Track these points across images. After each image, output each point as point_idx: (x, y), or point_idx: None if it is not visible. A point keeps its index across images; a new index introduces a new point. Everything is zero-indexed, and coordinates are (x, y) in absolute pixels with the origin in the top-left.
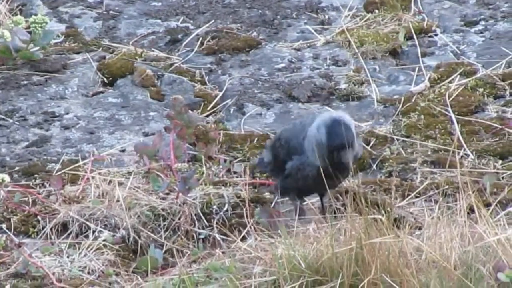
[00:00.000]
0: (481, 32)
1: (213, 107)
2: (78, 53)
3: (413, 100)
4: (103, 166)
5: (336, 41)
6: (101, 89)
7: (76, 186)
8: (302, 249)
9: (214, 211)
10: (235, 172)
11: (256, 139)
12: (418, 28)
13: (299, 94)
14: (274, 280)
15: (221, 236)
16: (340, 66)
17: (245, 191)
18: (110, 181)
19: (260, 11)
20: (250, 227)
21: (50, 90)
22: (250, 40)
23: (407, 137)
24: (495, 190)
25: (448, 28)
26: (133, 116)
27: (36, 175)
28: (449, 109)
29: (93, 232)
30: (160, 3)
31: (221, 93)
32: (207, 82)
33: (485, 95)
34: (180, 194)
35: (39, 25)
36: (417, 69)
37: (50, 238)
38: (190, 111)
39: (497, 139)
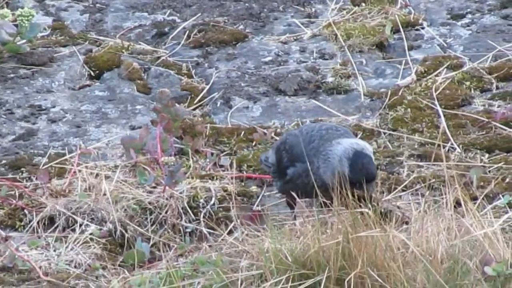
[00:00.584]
0: (468, 26)
1: (199, 101)
2: (64, 46)
3: (399, 93)
4: (90, 160)
5: (323, 35)
6: (88, 82)
7: (62, 179)
8: (288, 243)
9: (201, 204)
10: (221, 166)
11: (243, 132)
12: (405, 21)
13: (285, 87)
14: (260, 274)
15: (208, 230)
16: (326, 59)
17: (231, 185)
18: (97, 175)
19: (246, 4)
20: (237, 221)
21: (37, 83)
22: (237, 33)
23: (394, 130)
24: (481, 183)
25: (434, 21)
26: (120, 110)
27: (22, 169)
28: (436, 102)
29: (80, 225)
30: None
31: (208, 87)
32: (193, 76)
33: (472, 89)
34: (167, 187)
35: (26, 18)
36: (403, 62)
37: (37, 232)
38: (176, 105)
39: (483, 132)
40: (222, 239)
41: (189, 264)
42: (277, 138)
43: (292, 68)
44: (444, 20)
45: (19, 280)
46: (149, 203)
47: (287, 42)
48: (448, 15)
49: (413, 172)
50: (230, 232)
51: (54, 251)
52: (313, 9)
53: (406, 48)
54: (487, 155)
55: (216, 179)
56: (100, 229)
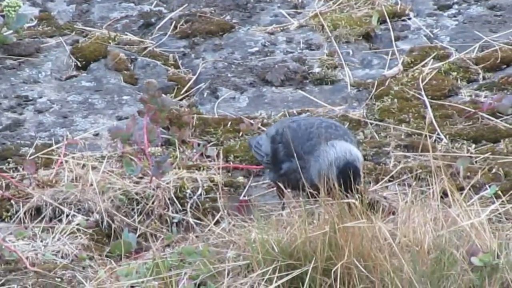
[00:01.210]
0: (454, 16)
1: (186, 91)
2: (51, 37)
3: (386, 84)
4: (77, 150)
5: (310, 25)
6: (75, 73)
7: (49, 170)
8: (275, 233)
9: (187, 195)
10: (208, 156)
11: (229, 123)
12: (392, 12)
13: (272, 78)
14: (247, 264)
15: (195, 220)
16: (313, 50)
17: (218, 175)
18: (84, 165)
19: None
20: (224, 211)
21: (24, 74)
22: (224, 24)
23: (381, 121)
24: (468, 174)
25: (421, 11)
26: (107, 100)
27: (9, 159)
28: (423, 93)
29: (67, 216)
30: None
31: (194, 77)
32: (180, 66)
33: (459, 79)
34: (154, 178)
35: (13, 9)
36: (390, 53)
37: (24, 222)
38: (163, 95)
39: (470, 123)
40: (209, 230)
41: (176, 255)
42: (264, 128)
43: (278, 59)
44: (430, 11)
45: (6, 271)
46: (136, 193)
47: (274, 32)
48: (435, 5)
49: (399, 162)
50: (217, 223)
51: (41, 241)
52: (300, 0)
53: (393, 38)
54: (473, 146)
55: (203, 169)
56: (87, 220)
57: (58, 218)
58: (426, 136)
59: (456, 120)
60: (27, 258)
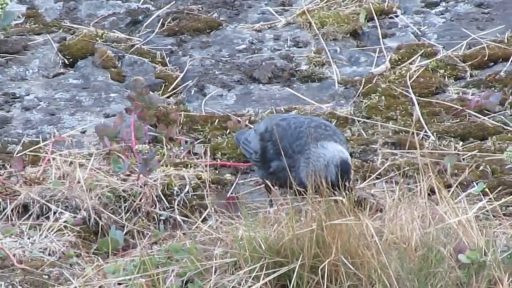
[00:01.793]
0: (442, 14)
1: (174, 89)
2: (39, 34)
3: (374, 81)
4: (64, 148)
5: (297, 23)
6: (62, 70)
7: (37, 167)
8: (263, 230)
9: (175, 192)
10: (196, 154)
11: (217, 120)
12: (379, 9)
13: (260, 75)
14: (234, 261)
15: (182, 218)
16: (301, 47)
17: (206, 173)
18: (71, 163)
19: None
20: (211, 209)
21: (11, 71)
22: (211, 21)
23: (368, 118)
24: (455, 171)
25: (408, 9)
26: (94, 98)
27: None
28: (410, 90)
29: (54, 213)
30: None
31: (182, 75)
32: (168, 64)
33: (446, 77)
34: (141, 175)
35: (0, 6)
36: (377, 50)
37: (11, 220)
38: (151, 93)
39: (457, 120)
40: (196, 227)
41: (163, 252)
42: (251, 126)
43: (266, 56)
44: (418, 8)
45: None
46: (123, 191)
47: (261, 30)
48: (422, 3)
49: (387, 160)
50: (204, 220)
51: (28, 238)
52: None
53: (380, 36)
54: (461, 143)
55: (190, 167)
56: (74, 217)
57: (45, 215)
58: (413, 133)
59: (443, 117)
60: (14, 255)
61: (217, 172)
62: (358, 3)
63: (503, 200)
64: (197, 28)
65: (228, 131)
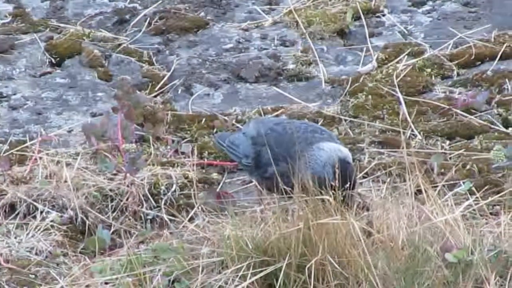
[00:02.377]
0: (429, 13)
1: (161, 88)
2: (25, 33)
3: (360, 80)
4: (51, 147)
5: (284, 22)
6: (49, 69)
7: (23, 166)
8: (249, 229)
9: (162, 191)
10: (183, 153)
11: (204, 119)
12: (366, 8)
13: (247, 74)
14: (221, 260)
15: (169, 217)
16: (288, 46)
17: (192, 172)
18: (58, 162)
19: None
20: (198, 208)
21: None
22: (198, 20)
23: (355, 117)
24: (442, 170)
25: (395, 8)
26: (81, 97)
27: None
28: (397, 89)
29: (41, 212)
30: None
31: (169, 74)
32: (154, 63)
33: (433, 76)
34: (128, 174)
35: None
36: (364, 49)
37: None
38: (137, 92)
39: (444, 119)
40: (183, 226)
41: (150, 251)
42: (239, 125)
43: (253, 55)
44: (405, 7)
45: None
46: (110, 190)
47: (248, 29)
48: (409, 2)
49: (374, 159)
50: (191, 219)
51: (15, 238)
52: None
53: (367, 35)
54: (447, 142)
55: (177, 166)
56: (61, 216)
57: (32, 214)
58: (400, 132)
59: (430, 116)
60: (1, 254)
61: (204, 171)
62: (345, 2)
63: (490, 199)
64: (184, 27)
65: (215, 130)
